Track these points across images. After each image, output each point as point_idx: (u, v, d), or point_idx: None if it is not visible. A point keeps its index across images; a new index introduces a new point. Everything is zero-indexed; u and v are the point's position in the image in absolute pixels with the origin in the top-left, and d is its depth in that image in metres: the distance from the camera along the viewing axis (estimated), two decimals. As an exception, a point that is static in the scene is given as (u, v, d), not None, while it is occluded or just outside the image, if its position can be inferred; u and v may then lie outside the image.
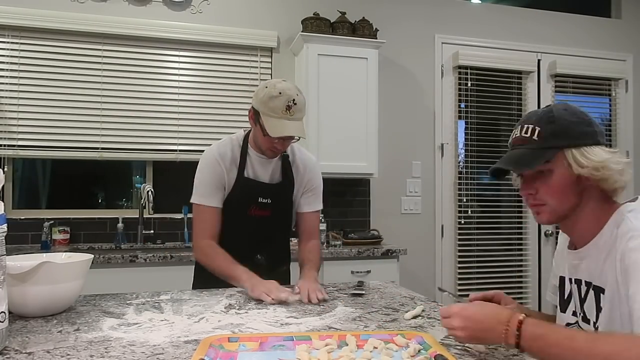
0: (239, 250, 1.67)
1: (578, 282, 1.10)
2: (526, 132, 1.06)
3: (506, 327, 0.88)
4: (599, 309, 1.02)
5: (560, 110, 1.06)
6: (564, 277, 1.16)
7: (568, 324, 1.13)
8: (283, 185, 1.79)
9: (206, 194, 1.71)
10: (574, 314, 1.12)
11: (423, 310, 1.31)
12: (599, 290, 1.03)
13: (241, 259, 1.64)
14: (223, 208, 1.74)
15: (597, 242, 1.04)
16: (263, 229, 1.77)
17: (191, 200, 1.75)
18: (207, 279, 1.73)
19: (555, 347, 0.83)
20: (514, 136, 1.10)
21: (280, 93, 1.59)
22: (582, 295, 1.08)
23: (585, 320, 1.07)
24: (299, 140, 1.71)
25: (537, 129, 1.05)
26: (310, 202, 1.85)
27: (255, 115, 1.67)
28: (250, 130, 1.77)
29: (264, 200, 1.75)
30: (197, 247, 1.73)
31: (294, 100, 1.60)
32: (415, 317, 1.26)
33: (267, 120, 1.60)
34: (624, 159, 1.03)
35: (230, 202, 1.74)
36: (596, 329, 1.03)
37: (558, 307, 1.19)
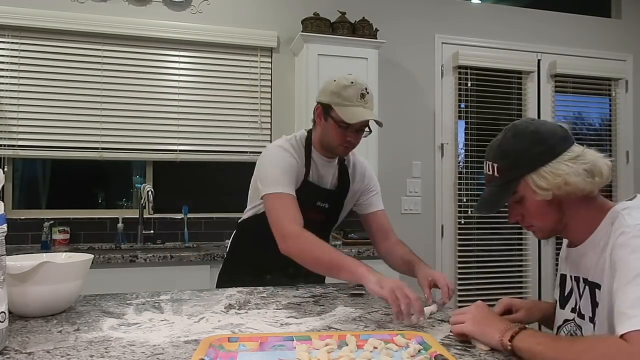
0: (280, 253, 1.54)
1: (577, 279, 1.12)
2: (489, 170, 1.12)
3: (502, 333, 0.96)
4: (595, 305, 1.04)
5: (509, 139, 1.08)
6: (565, 275, 1.18)
7: (566, 320, 1.15)
8: (339, 191, 1.75)
9: (287, 182, 1.56)
10: (573, 310, 1.13)
11: (432, 313, 1.29)
12: (594, 286, 1.04)
13: (284, 260, 1.50)
14: None
15: (593, 239, 1.06)
16: (314, 232, 1.57)
17: (267, 192, 1.56)
18: (238, 274, 1.72)
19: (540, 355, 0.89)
20: (484, 172, 1.15)
21: (352, 82, 1.57)
22: (581, 292, 1.10)
23: (580, 316, 1.09)
24: (370, 133, 1.65)
25: (495, 165, 1.09)
26: (373, 202, 1.81)
27: (324, 110, 1.61)
28: (310, 131, 1.72)
29: (322, 205, 1.70)
30: (287, 234, 1.48)
31: (366, 89, 1.58)
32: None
33: (342, 110, 1.55)
34: (587, 161, 1.01)
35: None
36: (594, 324, 1.04)
37: (557, 303, 1.20)
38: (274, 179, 1.57)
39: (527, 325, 0.99)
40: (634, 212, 0.97)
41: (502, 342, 0.95)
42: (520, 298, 3.81)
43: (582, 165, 1.01)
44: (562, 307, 1.18)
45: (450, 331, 1.08)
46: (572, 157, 1.02)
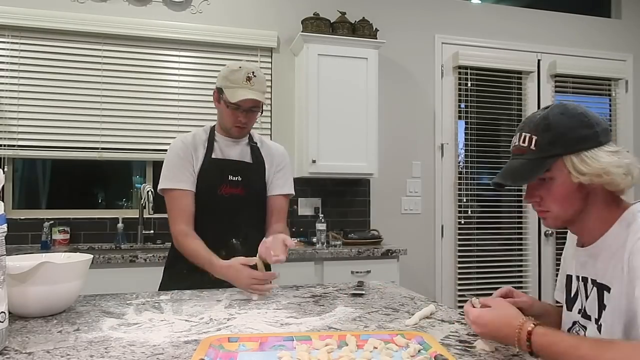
0: (213, 235, 1.68)
1: (584, 279, 1.09)
2: (524, 141, 1.04)
3: (517, 336, 0.93)
4: (602, 307, 1.02)
5: (556, 115, 1.02)
6: (571, 276, 1.15)
7: (575, 322, 1.12)
8: (253, 165, 1.81)
9: (175, 177, 1.72)
10: (580, 311, 1.11)
11: (432, 313, 1.28)
12: (603, 288, 1.02)
13: (216, 243, 1.65)
14: (195, 192, 1.74)
15: (605, 240, 1.03)
16: (237, 209, 1.75)
17: (159, 187, 1.75)
18: (177, 277, 1.75)
19: (563, 356, 0.87)
20: (513, 144, 1.09)
21: (240, 67, 1.69)
22: (588, 293, 1.08)
23: (586, 316, 1.07)
24: (262, 114, 1.79)
25: (534, 137, 1.03)
26: (281, 183, 1.86)
27: (218, 93, 1.74)
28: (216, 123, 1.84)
29: (234, 178, 1.76)
30: (173, 234, 1.72)
31: (253, 72, 1.69)
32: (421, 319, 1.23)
33: (229, 91, 1.68)
34: (627, 158, 1.00)
35: (200, 184, 1.74)
36: (599, 326, 1.02)
37: (564, 305, 1.18)
38: (165, 175, 1.74)
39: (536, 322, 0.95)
40: None
41: (520, 341, 0.92)
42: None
43: (623, 160, 0.99)
44: (569, 309, 1.15)
45: (457, 339, 1.06)
46: (613, 150, 1.00)
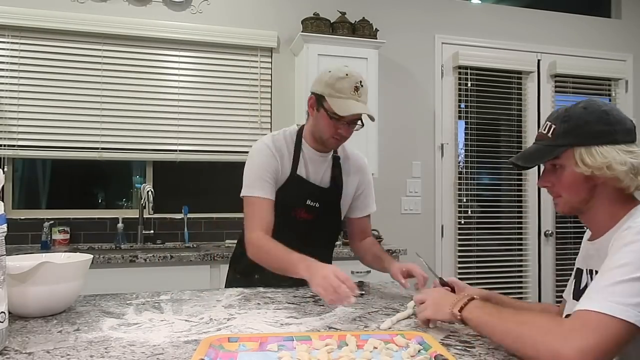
0: None
1: (591, 272, 1.12)
2: (544, 130, 1.11)
3: (453, 305, 1.08)
4: None
5: (578, 108, 1.07)
6: (581, 269, 1.18)
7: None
8: (332, 190, 1.70)
9: (258, 185, 1.60)
10: None
11: (410, 316, 1.26)
12: None
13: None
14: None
15: (610, 235, 1.04)
16: (306, 234, 1.63)
17: (241, 194, 1.63)
18: (241, 278, 1.73)
19: (485, 325, 1.00)
20: (539, 131, 1.16)
21: (347, 75, 1.55)
22: None
23: None
24: (362, 127, 1.63)
25: (553, 126, 1.09)
26: (365, 205, 1.80)
27: (317, 100, 1.59)
28: (303, 126, 1.71)
29: (312, 204, 1.65)
30: (249, 241, 1.57)
31: (361, 82, 1.56)
32: (397, 322, 1.21)
33: (335, 102, 1.53)
34: (639, 159, 1.02)
35: (280, 198, 1.63)
36: None
37: (571, 295, 1.19)
38: (247, 179, 1.62)
39: (475, 296, 1.08)
40: None
41: (453, 313, 1.06)
42: (520, 298, 3.83)
43: (632, 159, 1.01)
44: (576, 299, 1.15)
45: (417, 320, 1.18)
46: (626, 149, 1.02)
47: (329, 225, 1.76)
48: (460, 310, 1.05)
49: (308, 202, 1.66)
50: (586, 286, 1.13)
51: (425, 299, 1.18)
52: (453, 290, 1.39)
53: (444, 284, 1.46)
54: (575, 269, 1.22)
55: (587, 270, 1.14)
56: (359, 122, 1.61)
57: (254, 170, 1.62)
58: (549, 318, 0.93)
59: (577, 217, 1.17)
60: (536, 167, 1.25)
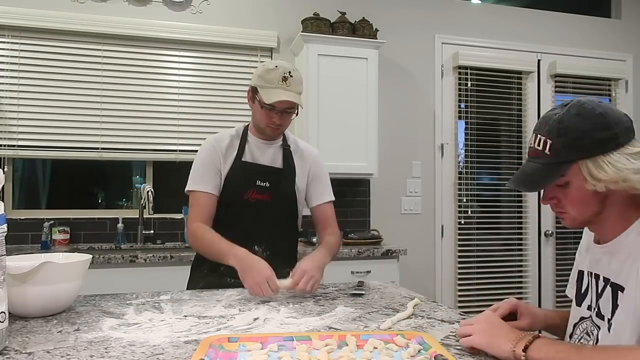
0: (236, 241, 1.58)
1: (597, 276, 1.08)
2: (539, 145, 1.01)
3: (514, 347, 0.91)
4: (615, 306, 1.00)
5: (572, 117, 0.98)
6: (583, 272, 1.14)
7: (582, 318, 1.11)
8: (284, 171, 1.77)
9: (199, 180, 1.71)
10: (589, 308, 1.09)
11: (416, 305, 1.28)
12: (617, 288, 1.00)
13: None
14: (221, 195, 1.72)
15: (622, 240, 1.01)
16: (262, 216, 1.72)
17: (185, 189, 1.74)
18: (201, 277, 1.76)
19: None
20: (529, 146, 1.06)
21: (276, 66, 1.65)
22: (599, 291, 1.06)
23: (600, 316, 1.05)
24: (297, 115, 1.74)
25: (549, 141, 0.99)
26: (319, 192, 1.85)
27: (253, 92, 1.71)
28: (250, 123, 1.82)
29: (262, 184, 1.72)
30: (189, 232, 1.70)
31: (290, 72, 1.65)
32: (398, 321, 1.21)
33: (264, 92, 1.64)
34: None
35: (227, 187, 1.72)
36: (610, 325, 1.01)
37: (574, 300, 1.17)
38: (191, 177, 1.75)
39: (540, 334, 0.94)
40: None
41: (515, 354, 0.89)
42: (520, 298, 3.82)
43: None
44: (578, 304, 1.14)
45: (457, 340, 1.04)
46: (634, 152, 0.95)
47: (285, 206, 1.78)
48: (525, 350, 0.89)
49: (258, 182, 1.73)
50: (587, 289, 1.11)
51: (473, 324, 1.01)
52: (510, 315, 1.18)
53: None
54: (576, 271, 1.18)
55: (590, 273, 1.10)
56: (294, 111, 1.72)
57: (196, 167, 1.75)
58: (634, 353, 0.81)
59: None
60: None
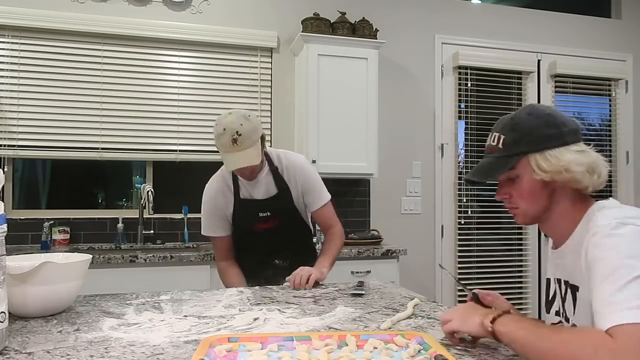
0: (259, 258, 1.92)
1: (558, 281, 1.11)
2: (493, 141, 1.10)
3: (482, 320, 0.97)
4: (575, 307, 1.04)
5: (523, 115, 1.07)
6: (550, 279, 1.17)
7: (552, 325, 1.13)
8: (279, 196, 1.87)
9: (212, 226, 1.92)
10: (557, 313, 1.12)
11: (415, 305, 1.29)
12: (574, 289, 1.04)
13: (262, 265, 1.92)
14: (233, 225, 1.92)
15: (571, 241, 1.05)
16: (273, 239, 1.90)
17: (202, 233, 1.96)
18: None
19: (519, 341, 0.90)
20: (487, 143, 1.14)
21: (224, 129, 1.66)
22: (563, 294, 1.09)
23: (566, 319, 1.08)
24: (262, 158, 1.79)
25: (502, 136, 1.08)
26: (313, 200, 1.93)
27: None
28: None
29: (264, 214, 1.86)
30: (218, 268, 2.00)
31: (237, 132, 1.65)
32: (398, 321, 1.21)
33: (222, 156, 1.71)
34: (592, 157, 1.02)
35: (235, 222, 1.91)
36: (572, 325, 1.04)
37: (544, 307, 1.19)
38: (203, 223, 1.94)
39: (511, 310, 1.01)
40: (606, 212, 0.98)
41: (484, 324, 0.96)
42: (520, 298, 3.83)
43: (586, 160, 1.01)
44: (547, 311, 1.17)
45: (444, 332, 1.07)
46: (578, 149, 1.03)
47: (292, 223, 1.94)
48: (492, 322, 0.94)
49: (260, 214, 1.87)
50: (554, 295, 1.14)
51: (452, 315, 1.07)
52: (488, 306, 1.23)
53: (478, 300, 1.22)
54: (545, 279, 1.21)
55: (555, 279, 1.13)
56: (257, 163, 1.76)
57: (204, 216, 1.93)
58: (590, 334, 0.84)
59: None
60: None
